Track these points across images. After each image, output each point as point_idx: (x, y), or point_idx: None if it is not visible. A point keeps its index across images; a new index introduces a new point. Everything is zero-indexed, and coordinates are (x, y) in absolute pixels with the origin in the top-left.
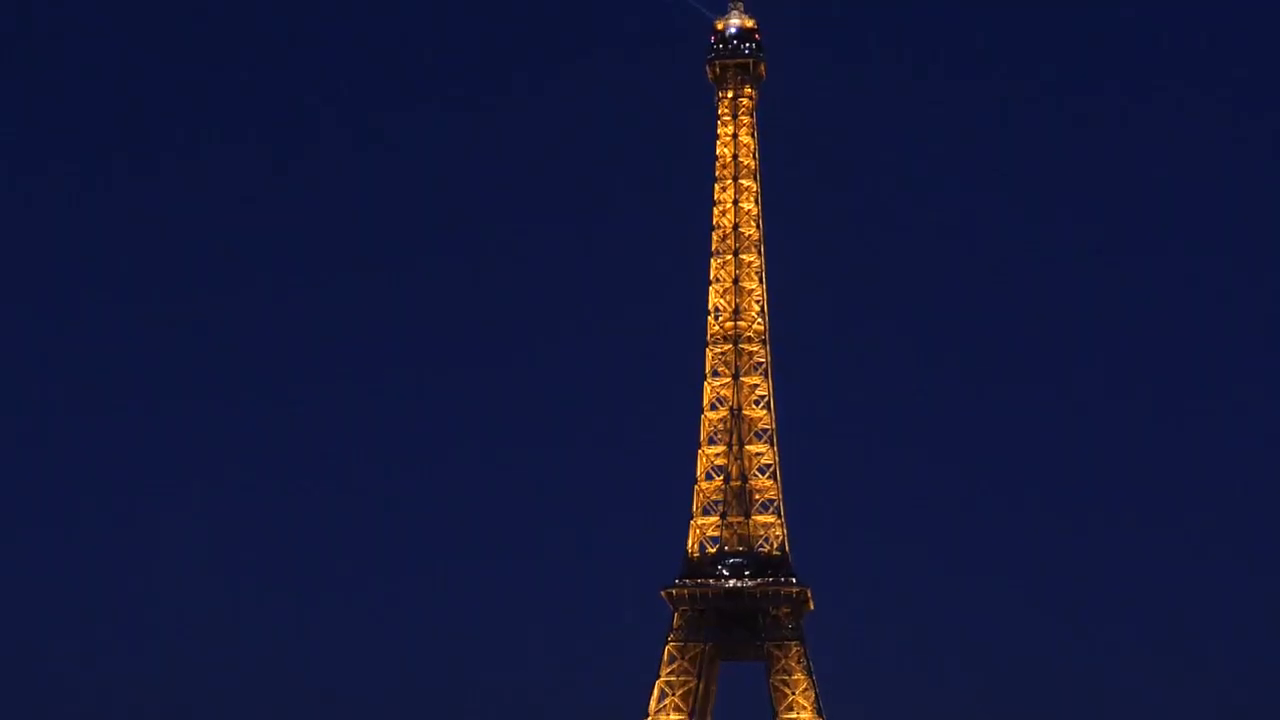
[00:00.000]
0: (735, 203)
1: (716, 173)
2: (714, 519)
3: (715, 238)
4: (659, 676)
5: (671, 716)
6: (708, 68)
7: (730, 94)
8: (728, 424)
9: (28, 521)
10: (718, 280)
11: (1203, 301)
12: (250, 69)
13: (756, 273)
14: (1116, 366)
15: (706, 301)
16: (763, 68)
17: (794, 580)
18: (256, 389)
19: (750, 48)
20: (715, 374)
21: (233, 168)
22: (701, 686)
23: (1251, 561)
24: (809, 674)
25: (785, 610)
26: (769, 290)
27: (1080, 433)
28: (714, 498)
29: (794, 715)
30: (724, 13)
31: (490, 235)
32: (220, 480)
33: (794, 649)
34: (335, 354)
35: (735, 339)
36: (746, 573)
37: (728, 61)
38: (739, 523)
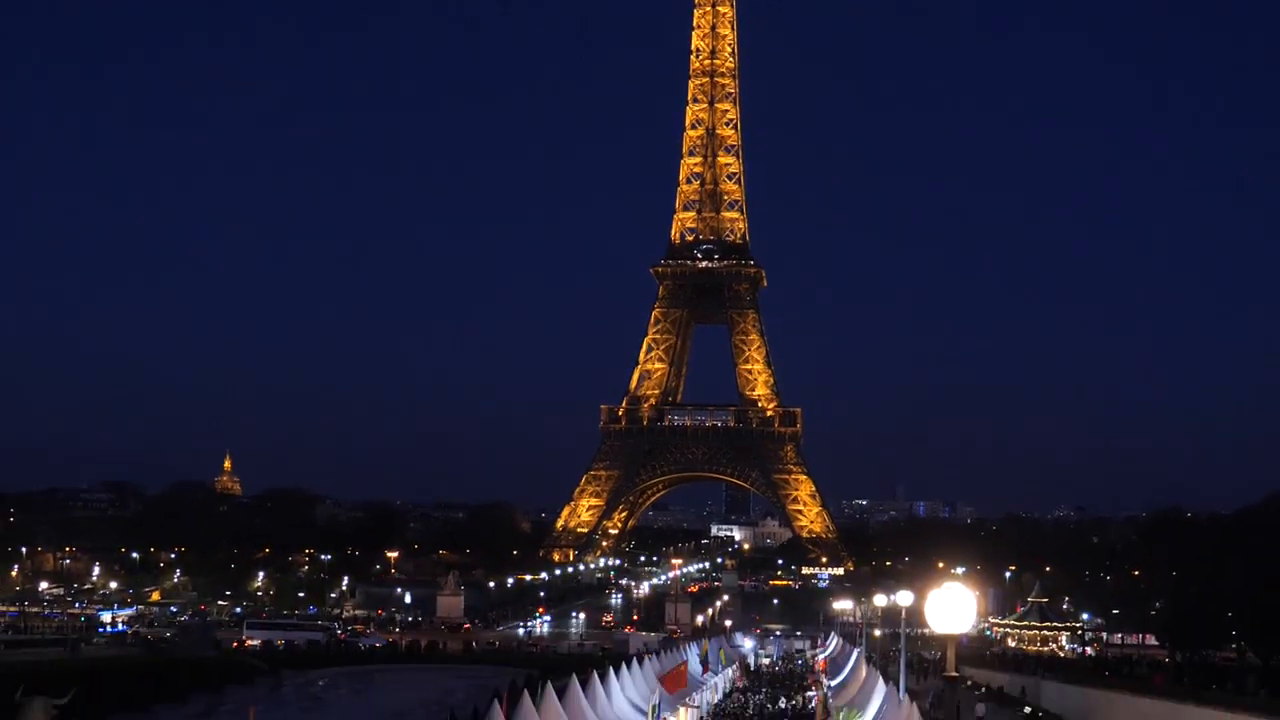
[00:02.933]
0: None
1: None
2: (692, 214)
3: None
4: (647, 334)
5: (655, 365)
6: None
7: None
8: (704, 140)
9: None
10: (699, 27)
11: None
12: None
13: (730, 22)
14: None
15: (690, 44)
16: None
17: (752, 263)
18: None
19: None
20: (695, 100)
21: None
22: (679, 343)
23: None
24: (761, 335)
25: (744, 286)
26: (739, 35)
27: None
28: (692, 198)
29: (749, 366)
30: None
31: None
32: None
33: (750, 315)
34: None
35: (711, 73)
36: (715, 256)
37: None
38: (711, 217)
